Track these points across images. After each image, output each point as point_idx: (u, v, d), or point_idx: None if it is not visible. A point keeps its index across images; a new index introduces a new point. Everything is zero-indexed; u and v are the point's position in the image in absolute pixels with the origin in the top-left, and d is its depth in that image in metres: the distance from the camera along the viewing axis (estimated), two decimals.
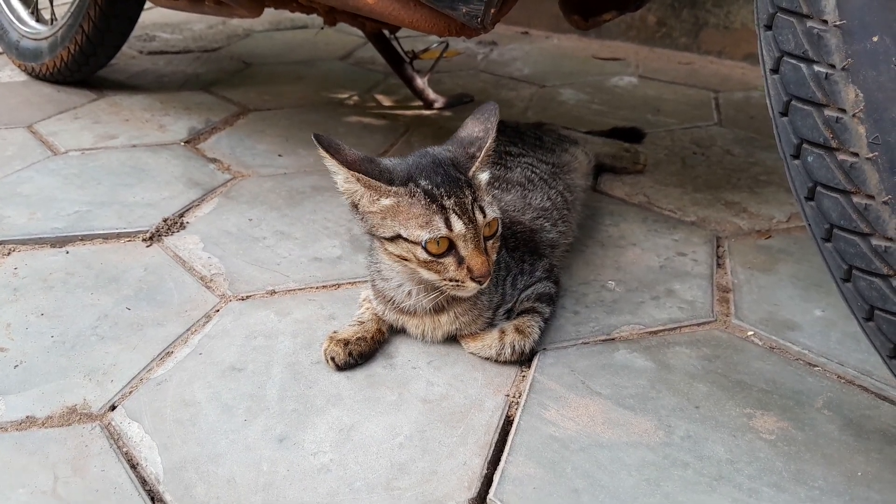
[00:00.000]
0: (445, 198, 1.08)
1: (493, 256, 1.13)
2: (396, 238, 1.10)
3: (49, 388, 1.15)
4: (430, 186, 1.09)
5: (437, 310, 1.21)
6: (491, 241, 1.12)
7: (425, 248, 1.07)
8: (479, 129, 1.18)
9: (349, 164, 1.08)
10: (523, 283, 1.29)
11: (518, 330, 1.21)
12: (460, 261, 1.09)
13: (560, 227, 1.45)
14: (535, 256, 1.34)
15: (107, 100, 2.48)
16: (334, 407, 1.12)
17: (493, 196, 1.18)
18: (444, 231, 1.07)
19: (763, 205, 1.77)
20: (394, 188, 1.09)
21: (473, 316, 1.22)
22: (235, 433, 1.07)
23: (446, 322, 1.22)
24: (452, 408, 1.12)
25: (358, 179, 1.08)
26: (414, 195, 1.09)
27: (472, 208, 1.09)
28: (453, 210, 1.07)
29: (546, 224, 1.41)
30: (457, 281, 1.10)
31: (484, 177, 1.16)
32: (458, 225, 1.07)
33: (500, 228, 1.14)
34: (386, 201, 1.10)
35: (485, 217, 1.10)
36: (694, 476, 0.99)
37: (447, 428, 1.08)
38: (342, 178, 1.10)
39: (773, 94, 0.86)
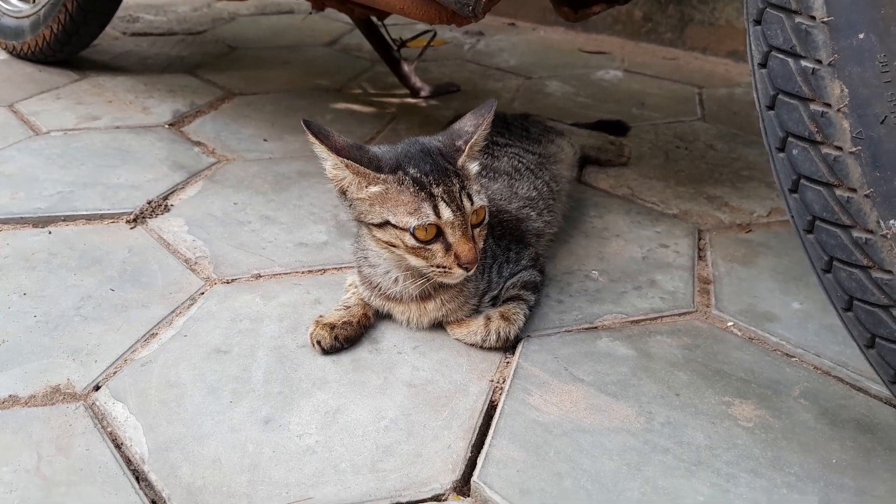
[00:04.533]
0: (434, 185, 1.09)
1: (481, 244, 1.14)
2: (385, 224, 1.11)
3: (32, 368, 1.15)
4: (418, 174, 1.10)
5: (424, 297, 1.22)
6: (478, 229, 1.14)
7: (414, 235, 1.08)
8: (471, 124, 1.19)
9: (338, 151, 1.09)
10: (509, 270, 1.31)
11: (503, 317, 1.22)
12: (448, 248, 1.10)
13: (546, 217, 1.46)
14: (521, 245, 1.36)
15: (89, 80, 2.46)
16: (320, 390, 1.12)
17: (480, 185, 1.19)
18: (432, 218, 1.07)
19: (744, 199, 1.80)
20: (382, 175, 1.09)
21: (460, 303, 1.23)
22: (221, 414, 1.07)
23: (433, 309, 1.23)
24: (437, 392, 1.13)
25: (347, 166, 1.09)
26: (402, 182, 1.09)
27: (461, 196, 1.10)
28: (441, 198, 1.08)
29: (532, 213, 1.42)
30: (444, 267, 1.11)
31: (474, 167, 1.17)
32: (447, 212, 1.08)
33: (487, 216, 1.15)
34: (374, 188, 1.10)
35: (472, 204, 1.11)
36: (674, 461, 1.01)
37: (432, 412, 1.09)
38: (330, 164, 1.11)
39: (760, 88, 0.88)
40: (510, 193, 1.42)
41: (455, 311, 1.24)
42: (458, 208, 1.09)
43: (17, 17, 2.51)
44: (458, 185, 1.10)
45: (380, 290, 1.24)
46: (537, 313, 1.32)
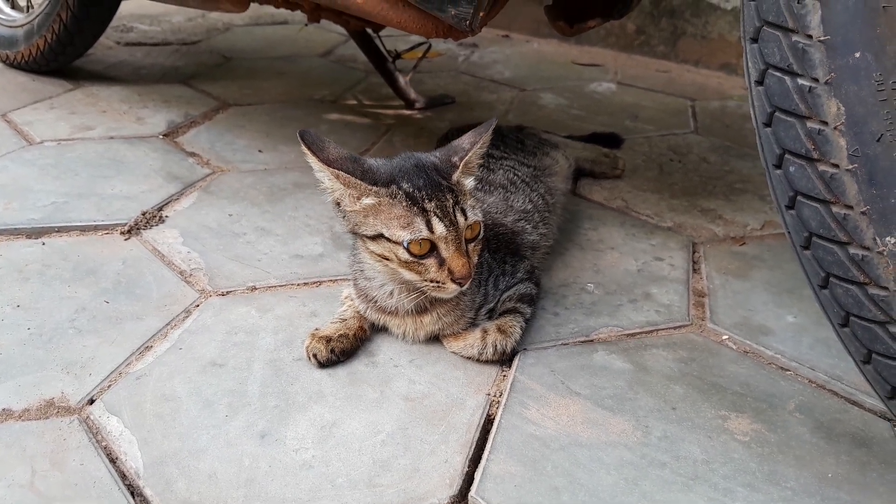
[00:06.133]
0: (426, 201, 1.09)
1: (475, 259, 1.14)
2: (378, 237, 1.11)
3: (26, 381, 1.14)
4: (411, 189, 1.10)
5: (420, 310, 1.22)
6: (473, 244, 1.14)
7: (407, 249, 1.08)
8: (468, 141, 1.19)
9: (330, 163, 1.09)
10: (505, 283, 1.31)
11: (500, 330, 1.22)
12: (441, 262, 1.10)
13: (541, 230, 1.47)
14: (517, 258, 1.36)
15: (83, 90, 2.45)
16: (316, 404, 1.12)
17: (476, 199, 1.19)
18: (425, 233, 1.07)
19: (738, 212, 1.81)
20: (375, 188, 1.10)
21: (456, 316, 1.23)
22: (217, 429, 1.06)
23: (429, 322, 1.23)
24: (434, 406, 1.13)
25: (338, 177, 1.09)
26: (395, 196, 1.10)
27: (454, 211, 1.10)
28: (434, 213, 1.08)
29: (527, 226, 1.43)
30: (437, 282, 1.11)
31: (469, 182, 1.18)
32: (440, 227, 1.08)
33: (482, 231, 1.15)
34: (367, 200, 1.10)
35: (466, 219, 1.11)
36: (671, 475, 1.01)
37: (429, 426, 1.09)
38: (323, 175, 1.11)
39: (757, 105, 0.88)
40: (506, 206, 1.42)
41: (451, 324, 1.24)
42: (452, 223, 1.09)
43: (10, 27, 2.50)
44: (451, 201, 1.10)
45: (376, 303, 1.24)
46: (533, 326, 1.32)
